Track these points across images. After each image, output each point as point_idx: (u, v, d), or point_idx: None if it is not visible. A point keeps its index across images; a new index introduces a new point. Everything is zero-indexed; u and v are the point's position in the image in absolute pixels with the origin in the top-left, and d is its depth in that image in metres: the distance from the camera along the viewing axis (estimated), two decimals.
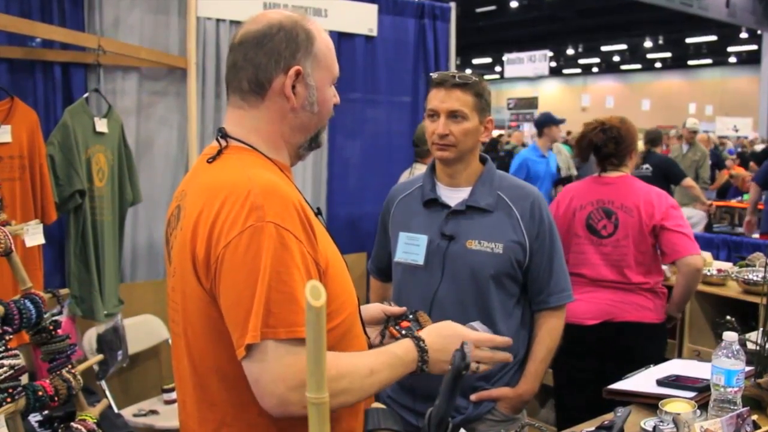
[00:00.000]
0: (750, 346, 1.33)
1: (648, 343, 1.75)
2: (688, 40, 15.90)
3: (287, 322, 0.73)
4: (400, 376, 0.84)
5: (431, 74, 1.34)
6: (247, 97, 0.85)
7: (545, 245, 1.29)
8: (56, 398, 1.21)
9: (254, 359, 0.73)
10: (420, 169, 2.39)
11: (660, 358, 1.52)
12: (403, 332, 0.95)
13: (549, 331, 1.32)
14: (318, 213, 0.85)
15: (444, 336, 0.88)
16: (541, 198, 1.33)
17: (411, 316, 0.99)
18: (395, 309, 1.01)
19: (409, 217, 1.34)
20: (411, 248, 1.30)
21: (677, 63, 19.39)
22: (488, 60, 18.83)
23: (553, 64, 16.34)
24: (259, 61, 0.83)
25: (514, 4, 12.14)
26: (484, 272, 1.25)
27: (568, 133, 11.18)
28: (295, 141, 0.87)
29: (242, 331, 0.73)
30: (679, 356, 2.33)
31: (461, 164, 1.30)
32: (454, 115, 1.26)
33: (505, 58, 10.73)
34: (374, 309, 1.02)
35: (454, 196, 1.30)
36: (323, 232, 0.84)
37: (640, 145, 4.02)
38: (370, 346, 0.92)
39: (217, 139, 0.85)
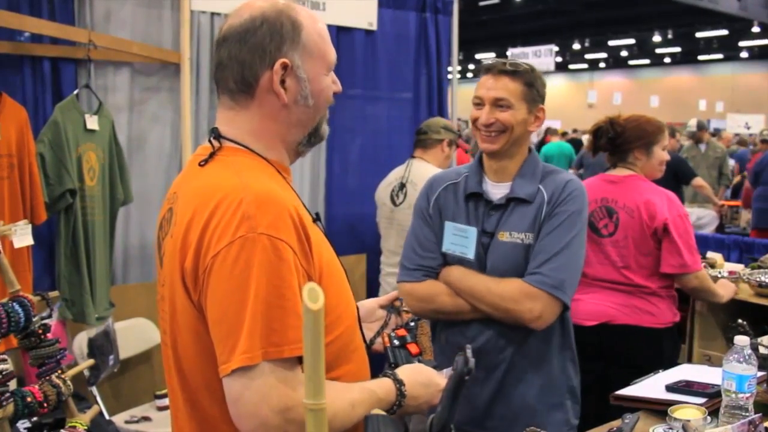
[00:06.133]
0: (762, 350, 1.29)
1: (648, 348, 1.71)
2: (699, 35, 15.69)
3: (291, 339, 0.69)
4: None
5: (483, 60, 1.30)
6: (236, 97, 0.80)
7: (553, 223, 1.20)
8: (45, 404, 1.18)
9: (237, 376, 0.69)
10: (418, 165, 2.31)
11: (663, 364, 1.47)
12: (395, 342, 0.92)
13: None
14: (317, 219, 0.80)
15: (421, 384, 0.84)
16: (577, 185, 1.25)
17: (412, 324, 0.95)
18: (398, 318, 0.97)
19: (451, 208, 1.28)
20: (459, 240, 1.25)
21: (687, 58, 19.18)
22: (492, 55, 18.64)
23: (559, 59, 16.16)
24: (243, 58, 0.78)
25: None
26: (522, 265, 1.20)
27: (574, 131, 11.07)
28: (292, 138, 0.82)
29: (226, 348, 0.69)
30: (689, 361, 2.26)
31: (507, 158, 1.24)
32: (499, 103, 1.21)
33: (509, 52, 10.62)
34: (369, 306, 0.98)
35: (498, 191, 1.26)
36: (321, 240, 0.79)
37: None
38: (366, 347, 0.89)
39: (210, 141, 0.80)
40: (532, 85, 1.23)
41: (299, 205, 0.77)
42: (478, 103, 1.24)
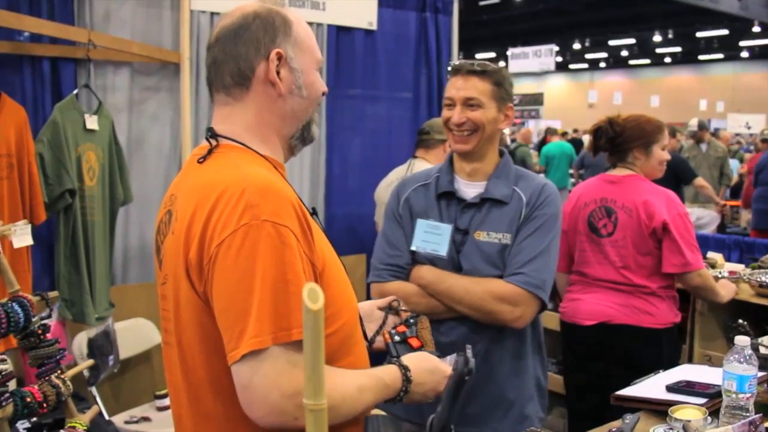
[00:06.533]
0: (763, 350, 1.29)
1: (646, 349, 1.70)
2: (699, 34, 15.67)
3: (299, 323, 0.69)
4: (381, 401, 0.81)
5: (450, 62, 1.30)
6: (232, 92, 0.82)
7: (532, 226, 1.23)
8: (45, 405, 1.17)
9: (247, 361, 0.69)
10: (419, 165, 2.30)
11: (662, 364, 1.47)
12: (396, 338, 0.92)
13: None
14: (314, 213, 0.82)
15: (426, 370, 0.85)
16: (552, 189, 1.28)
17: (412, 320, 0.95)
18: (396, 318, 0.97)
19: (424, 208, 1.29)
20: (432, 237, 1.25)
21: (687, 58, 19.16)
22: (492, 54, 18.67)
23: (559, 59, 16.15)
24: (238, 52, 0.80)
25: None
26: (500, 265, 1.21)
27: (575, 131, 11.06)
28: (287, 131, 0.84)
29: (234, 334, 0.70)
30: (690, 361, 2.25)
31: (478, 157, 1.26)
32: (469, 103, 1.23)
33: (509, 52, 10.63)
34: (367, 308, 0.99)
35: (471, 191, 1.27)
36: (320, 234, 0.80)
37: None
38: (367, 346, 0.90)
39: (207, 139, 0.81)
40: (500, 84, 1.25)
41: (298, 197, 0.79)
42: (449, 104, 1.26)
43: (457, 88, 1.24)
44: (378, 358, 0.93)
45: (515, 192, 1.25)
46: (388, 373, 0.82)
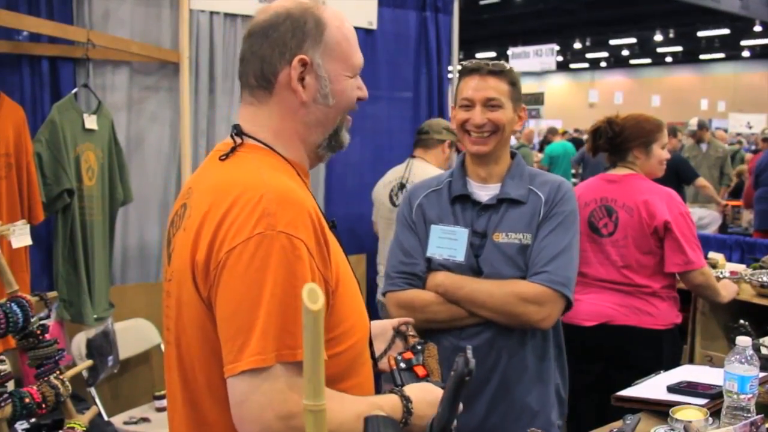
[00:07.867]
0: (764, 351, 1.30)
1: (647, 350, 1.70)
2: (700, 34, 15.64)
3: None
4: None
5: (462, 63, 1.28)
6: (255, 93, 0.80)
7: (552, 223, 1.21)
8: (44, 405, 1.17)
9: (245, 377, 0.67)
10: (418, 165, 2.29)
11: (662, 365, 1.46)
12: (402, 365, 0.91)
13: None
14: (333, 226, 0.79)
15: (429, 403, 0.82)
16: (568, 186, 1.27)
17: (419, 347, 0.93)
18: (403, 342, 0.95)
19: (437, 213, 1.26)
20: (447, 242, 1.22)
21: (688, 57, 19.14)
22: (492, 54, 18.61)
23: (560, 58, 16.10)
24: (263, 53, 0.78)
25: None
26: (521, 266, 1.20)
27: (576, 130, 11.05)
28: (312, 139, 0.81)
29: (234, 347, 0.68)
30: (691, 362, 2.25)
31: (494, 159, 1.24)
32: (489, 103, 1.21)
33: (510, 52, 10.61)
34: (382, 326, 0.97)
35: (485, 193, 1.25)
36: (337, 248, 0.78)
37: None
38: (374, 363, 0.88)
39: (232, 136, 0.79)
40: (515, 84, 1.24)
41: (317, 208, 0.76)
42: (467, 105, 1.23)
43: (474, 88, 1.21)
44: (380, 379, 0.92)
45: (532, 191, 1.24)
46: (389, 402, 0.79)
